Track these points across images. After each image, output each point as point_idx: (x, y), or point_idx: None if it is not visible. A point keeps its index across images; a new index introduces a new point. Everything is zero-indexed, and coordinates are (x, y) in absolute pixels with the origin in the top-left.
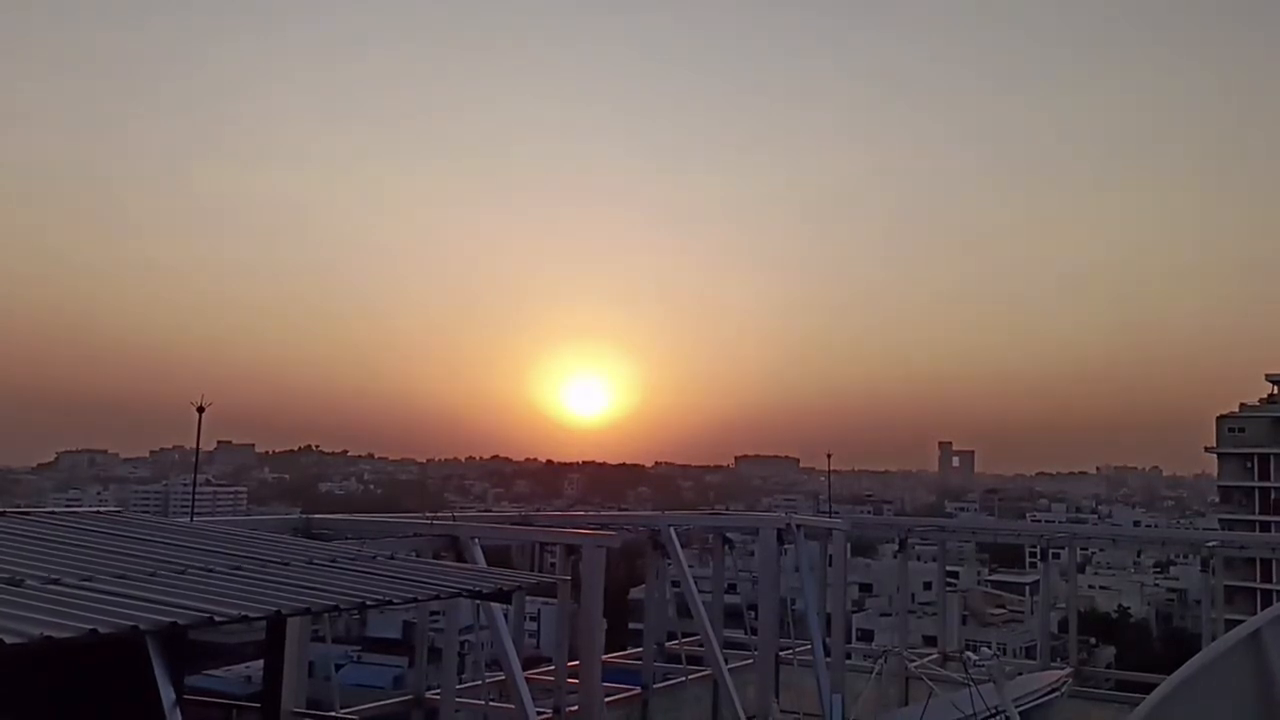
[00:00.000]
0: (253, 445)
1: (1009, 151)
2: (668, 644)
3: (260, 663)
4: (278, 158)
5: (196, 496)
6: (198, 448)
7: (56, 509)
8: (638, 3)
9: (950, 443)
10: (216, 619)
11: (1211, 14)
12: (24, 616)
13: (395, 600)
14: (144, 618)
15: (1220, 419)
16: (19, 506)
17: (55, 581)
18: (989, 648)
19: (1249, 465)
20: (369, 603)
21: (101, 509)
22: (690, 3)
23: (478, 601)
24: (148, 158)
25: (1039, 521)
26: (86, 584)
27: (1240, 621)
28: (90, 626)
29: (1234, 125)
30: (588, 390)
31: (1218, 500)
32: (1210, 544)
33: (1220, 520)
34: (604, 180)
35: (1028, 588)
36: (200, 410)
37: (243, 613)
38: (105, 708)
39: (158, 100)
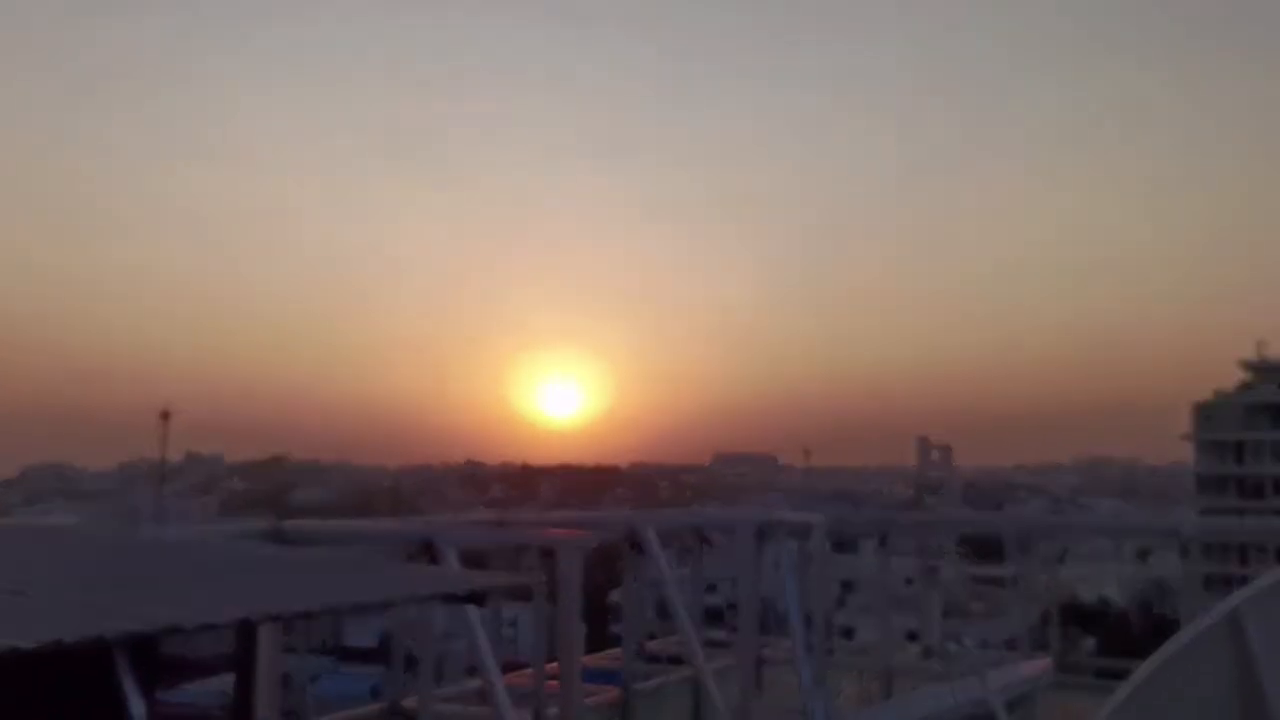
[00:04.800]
0: (222, 455)
1: (979, 142)
2: (648, 644)
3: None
4: (246, 164)
5: (165, 508)
6: (163, 453)
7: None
8: None
9: (927, 437)
10: (185, 626)
11: None
12: None
13: (368, 604)
14: (110, 627)
15: (1196, 407)
16: None
17: (20, 593)
18: (970, 640)
19: (1225, 453)
20: (341, 607)
21: (67, 521)
22: None
23: (454, 607)
24: (116, 162)
25: (1018, 514)
26: (52, 595)
27: None
28: (55, 637)
29: (1204, 107)
30: (562, 393)
31: (1195, 488)
32: (1188, 531)
33: (1198, 508)
34: (574, 182)
35: (1008, 580)
36: (165, 417)
37: (211, 620)
38: None
39: (124, 103)
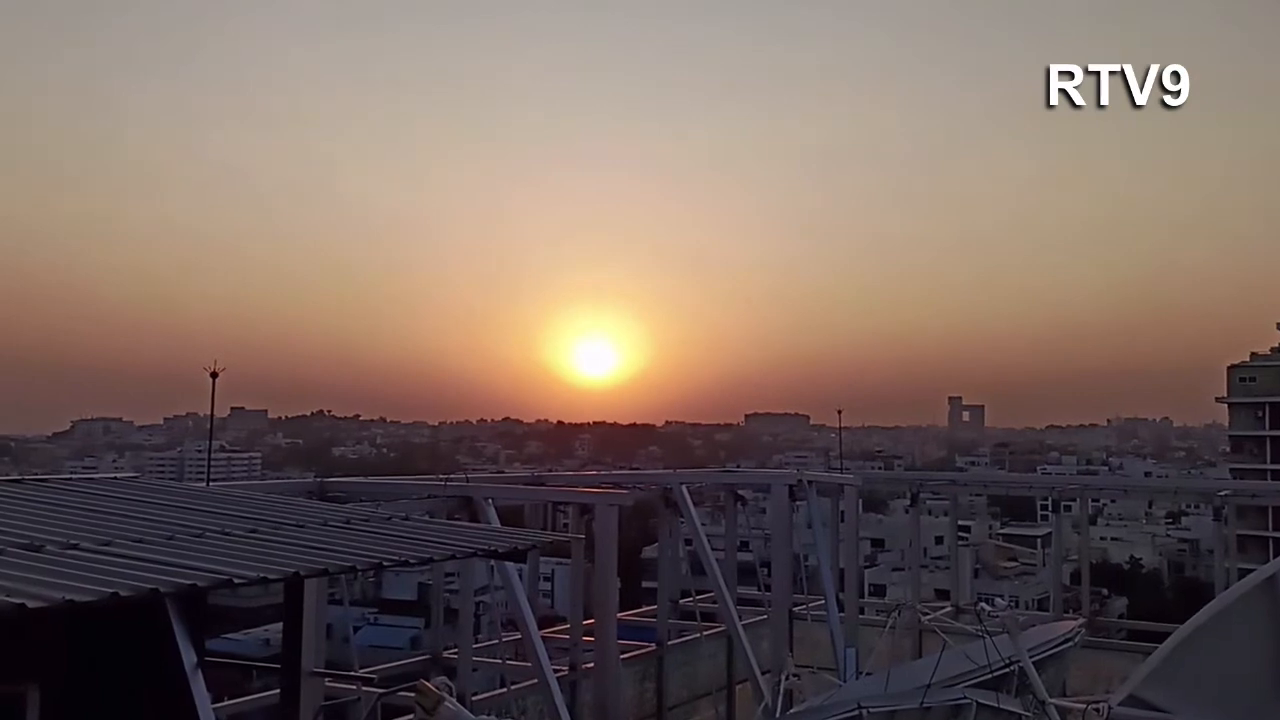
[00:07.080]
0: (265, 410)
1: (1014, 100)
2: (682, 601)
3: (278, 626)
4: (287, 123)
5: (211, 462)
6: (212, 413)
7: (73, 476)
8: None
9: (960, 397)
10: (235, 581)
11: None
12: (45, 581)
13: (411, 560)
14: (163, 580)
15: (1231, 368)
16: (36, 474)
17: (74, 546)
18: (1002, 599)
19: (1260, 414)
20: (385, 563)
21: (118, 475)
22: None
23: (493, 561)
24: (159, 119)
25: (1050, 474)
26: (105, 548)
27: (1253, 570)
28: (111, 590)
29: (1248, 64)
30: (597, 350)
31: (1229, 450)
32: (1222, 493)
33: (1231, 470)
34: (606, 139)
35: (1039, 540)
36: (214, 376)
37: (261, 574)
38: (127, 671)
39: (175, 59)
